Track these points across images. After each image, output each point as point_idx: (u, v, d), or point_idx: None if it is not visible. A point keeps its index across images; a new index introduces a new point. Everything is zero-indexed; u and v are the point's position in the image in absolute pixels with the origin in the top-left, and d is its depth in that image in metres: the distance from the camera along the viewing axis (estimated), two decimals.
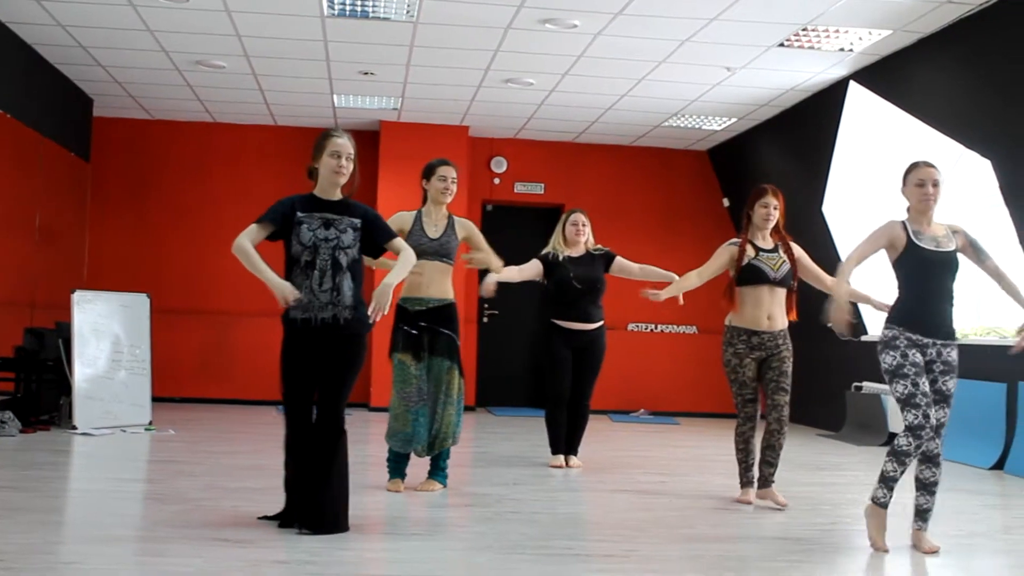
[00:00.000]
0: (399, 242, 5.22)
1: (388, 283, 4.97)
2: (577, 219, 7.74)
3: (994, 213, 8.62)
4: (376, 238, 5.16)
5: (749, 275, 6.19)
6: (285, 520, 5.07)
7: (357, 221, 5.10)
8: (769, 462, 6.18)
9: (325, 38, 9.04)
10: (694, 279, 6.37)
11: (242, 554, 4.51)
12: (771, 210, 6.25)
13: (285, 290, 4.86)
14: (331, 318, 5.00)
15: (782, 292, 6.22)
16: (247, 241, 4.96)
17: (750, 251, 6.22)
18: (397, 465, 6.42)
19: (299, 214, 5.05)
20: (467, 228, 6.62)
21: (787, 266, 6.20)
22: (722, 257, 6.31)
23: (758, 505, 6.22)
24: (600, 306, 7.72)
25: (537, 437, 9.01)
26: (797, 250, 6.29)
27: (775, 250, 6.24)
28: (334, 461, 4.99)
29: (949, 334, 5.17)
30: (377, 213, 5.26)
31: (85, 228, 11.84)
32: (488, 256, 6.69)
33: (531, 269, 7.58)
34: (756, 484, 6.28)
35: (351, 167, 5.12)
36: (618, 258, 7.73)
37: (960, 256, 5.21)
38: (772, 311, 6.18)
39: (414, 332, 6.30)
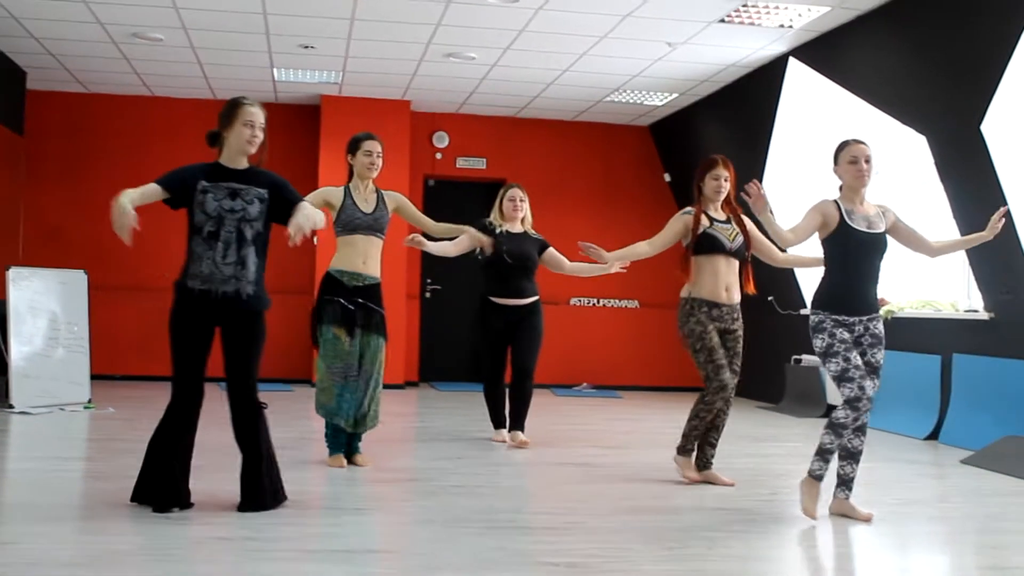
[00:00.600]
0: (307, 205, 5.02)
1: (313, 211, 4.91)
2: (515, 195, 7.65)
3: (929, 189, 8.76)
4: (284, 203, 4.97)
5: (705, 244, 6.09)
6: (138, 496, 4.88)
7: (264, 192, 4.96)
8: (712, 443, 6.14)
9: (264, 10, 8.93)
10: (645, 248, 6.21)
11: (183, 531, 4.48)
12: (722, 182, 6.17)
13: (128, 221, 4.55)
14: (233, 292, 4.87)
15: (736, 264, 6.14)
16: (135, 193, 4.72)
17: (704, 221, 6.12)
18: (336, 440, 6.38)
19: (203, 183, 4.91)
20: (396, 200, 6.57)
21: (741, 238, 6.12)
22: (675, 226, 6.18)
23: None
24: (534, 282, 7.65)
25: (479, 412, 9.03)
26: (749, 223, 6.22)
27: (728, 221, 6.17)
28: (260, 438, 4.94)
29: (873, 309, 5.28)
30: (283, 179, 5.10)
31: (20, 203, 11.62)
32: (441, 229, 6.71)
33: (467, 241, 7.46)
34: (695, 463, 6.19)
35: (262, 137, 5.01)
36: (551, 249, 7.63)
37: (888, 237, 5.30)
38: (729, 283, 6.10)
39: (351, 307, 6.24)
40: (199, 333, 4.92)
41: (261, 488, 4.91)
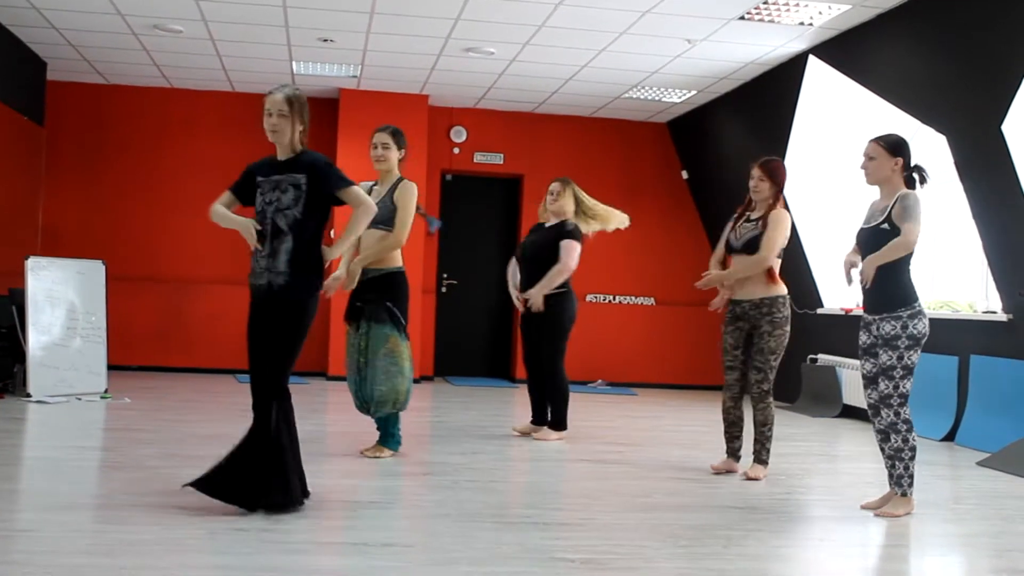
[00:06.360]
0: (355, 191, 4.96)
1: (327, 254, 4.94)
2: (552, 188, 7.75)
3: (949, 189, 8.72)
4: (323, 188, 4.90)
5: (725, 246, 6.45)
6: (205, 485, 4.83)
7: (300, 178, 4.87)
8: (755, 438, 6.29)
9: (284, 3, 8.94)
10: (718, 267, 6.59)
11: (200, 522, 4.50)
12: (756, 182, 6.33)
13: (249, 226, 4.84)
14: (265, 285, 4.85)
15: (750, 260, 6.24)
16: (218, 204, 4.98)
17: (730, 224, 6.46)
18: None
19: (259, 178, 4.97)
20: (401, 190, 6.41)
21: (751, 234, 6.20)
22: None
23: (717, 474, 6.34)
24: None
25: (495, 407, 9.04)
26: (771, 218, 6.23)
27: (755, 220, 6.30)
28: (266, 431, 4.81)
29: (876, 307, 5.32)
30: (328, 161, 5.01)
31: (39, 193, 11.67)
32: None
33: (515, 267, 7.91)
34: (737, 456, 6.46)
35: (284, 122, 4.90)
36: (562, 242, 7.55)
37: (887, 227, 5.23)
38: (741, 280, 6.27)
39: (357, 304, 6.37)
40: (251, 329, 4.93)
41: (265, 481, 4.75)
